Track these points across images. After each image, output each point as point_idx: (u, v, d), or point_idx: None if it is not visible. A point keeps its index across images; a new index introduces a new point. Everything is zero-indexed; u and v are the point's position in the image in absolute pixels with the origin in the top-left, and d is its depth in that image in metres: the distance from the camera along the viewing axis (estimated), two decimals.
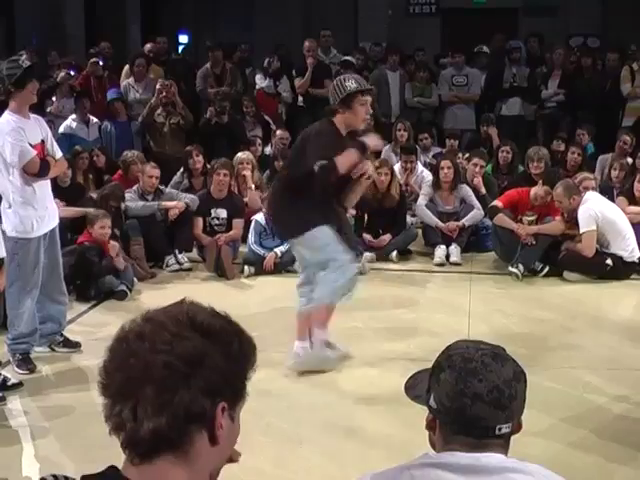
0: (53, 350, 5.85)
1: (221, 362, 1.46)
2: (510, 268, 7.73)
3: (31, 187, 5.37)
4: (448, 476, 1.77)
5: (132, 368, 1.42)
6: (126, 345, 1.45)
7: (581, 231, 7.68)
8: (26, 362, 5.52)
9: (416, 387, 1.98)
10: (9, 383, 5.18)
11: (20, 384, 5.24)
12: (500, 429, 1.80)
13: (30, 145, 5.33)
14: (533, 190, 8.19)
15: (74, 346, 5.85)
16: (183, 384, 1.42)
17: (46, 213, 5.51)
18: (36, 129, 5.46)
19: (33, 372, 5.50)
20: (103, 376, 1.47)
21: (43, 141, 5.49)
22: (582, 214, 7.65)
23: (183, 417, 1.43)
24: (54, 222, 5.65)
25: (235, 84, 11.41)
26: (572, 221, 7.79)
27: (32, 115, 5.53)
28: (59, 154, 5.73)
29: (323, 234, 5.19)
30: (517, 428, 1.85)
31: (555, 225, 7.97)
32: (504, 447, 1.84)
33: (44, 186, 5.53)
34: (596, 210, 7.66)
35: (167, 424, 1.41)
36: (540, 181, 8.33)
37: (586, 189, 8.01)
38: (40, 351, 5.77)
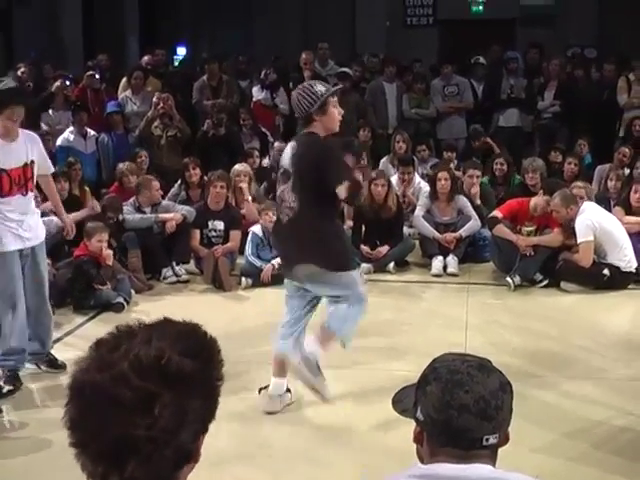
0: (39, 368, 5.79)
1: (201, 407, 1.41)
2: (507, 278, 7.74)
3: (5, 200, 5.31)
4: None
5: (111, 436, 1.35)
6: (97, 409, 1.36)
7: (578, 241, 7.67)
8: (12, 379, 5.46)
9: (403, 401, 1.98)
10: (4, 390, 5.18)
11: (14, 391, 5.25)
12: (487, 440, 1.79)
13: (2, 170, 5.24)
14: (533, 200, 8.19)
15: (59, 367, 5.74)
16: (168, 448, 1.37)
17: (27, 229, 5.38)
18: (21, 151, 5.34)
19: (18, 390, 5.44)
20: (75, 432, 1.38)
21: (27, 163, 5.34)
22: (579, 224, 7.66)
23: (173, 468, 1.41)
24: (35, 240, 5.48)
25: (231, 96, 11.40)
26: (570, 231, 7.79)
27: (26, 132, 5.45)
28: (51, 170, 5.80)
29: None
30: (504, 440, 1.85)
31: (554, 237, 7.96)
32: (491, 458, 1.84)
33: (21, 201, 5.38)
34: (593, 220, 7.66)
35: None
36: (541, 191, 8.33)
37: (580, 198, 8.02)
38: (27, 368, 5.69)
